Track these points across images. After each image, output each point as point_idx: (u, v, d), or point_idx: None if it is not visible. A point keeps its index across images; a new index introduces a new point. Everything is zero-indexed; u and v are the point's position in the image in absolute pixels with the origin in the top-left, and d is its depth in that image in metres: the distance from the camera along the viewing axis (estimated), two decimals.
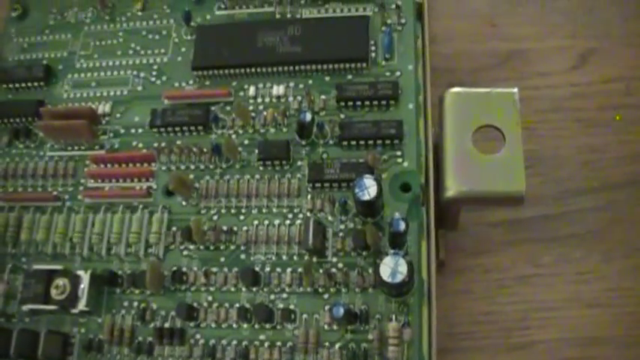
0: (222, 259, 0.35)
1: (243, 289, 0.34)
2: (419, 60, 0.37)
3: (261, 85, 0.38)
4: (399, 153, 0.35)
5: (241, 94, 0.38)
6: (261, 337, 0.33)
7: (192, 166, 0.37)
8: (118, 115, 0.39)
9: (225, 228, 0.36)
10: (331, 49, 0.37)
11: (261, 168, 0.36)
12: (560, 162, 0.40)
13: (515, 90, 0.34)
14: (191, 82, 0.39)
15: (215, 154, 0.37)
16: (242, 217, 0.36)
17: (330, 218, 0.35)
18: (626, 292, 0.37)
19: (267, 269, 0.35)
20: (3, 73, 0.42)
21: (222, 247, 0.35)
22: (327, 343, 0.33)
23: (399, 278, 0.31)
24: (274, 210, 0.36)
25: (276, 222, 0.35)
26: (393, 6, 0.38)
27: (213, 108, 0.38)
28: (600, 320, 0.37)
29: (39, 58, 0.42)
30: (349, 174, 0.35)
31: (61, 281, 0.35)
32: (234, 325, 0.34)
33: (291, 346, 0.33)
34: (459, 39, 0.44)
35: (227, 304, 0.34)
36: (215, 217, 0.36)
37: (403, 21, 0.38)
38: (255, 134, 0.37)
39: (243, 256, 0.35)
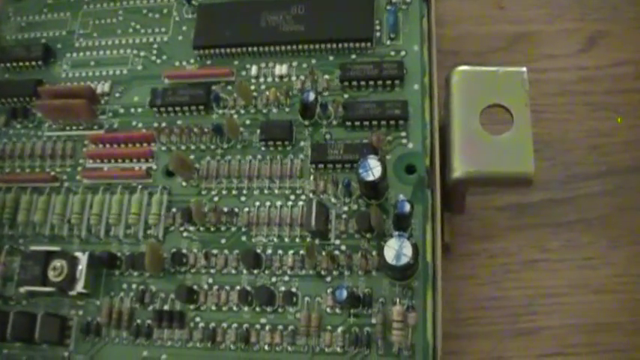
0: (223, 241, 0.35)
1: (244, 271, 0.34)
2: (424, 40, 0.36)
3: (263, 65, 0.38)
4: (403, 134, 0.35)
5: (243, 73, 0.38)
6: (262, 320, 0.33)
7: (193, 147, 0.37)
8: (118, 95, 0.39)
9: (226, 209, 0.35)
10: (335, 28, 0.37)
11: (263, 148, 0.36)
12: (568, 146, 0.40)
13: (524, 69, 0.33)
14: (192, 61, 0.39)
15: (216, 134, 0.36)
16: (243, 199, 0.35)
17: (333, 200, 0.34)
18: (634, 278, 0.36)
19: (269, 251, 0.34)
20: (1, 52, 0.41)
21: (222, 229, 0.35)
22: (329, 327, 0.32)
23: (404, 261, 0.30)
24: (276, 191, 0.35)
25: (278, 203, 0.35)
26: None
27: (214, 87, 0.37)
28: (607, 306, 0.36)
29: (37, 37, 0.41)
30: (353, 155, 0.34)
31: (58, 263, 0.34)
32: (235, 308, 0.33)
33: (293, 330, 0.32)
34: (466, 21, 0.43)
35: (227, 287, 0.34)
36: (216, 199, 0.35)
37: (408, 0, 0.37)
38: (258, 114, 0.37)
39: (244, 238, 0.34)
